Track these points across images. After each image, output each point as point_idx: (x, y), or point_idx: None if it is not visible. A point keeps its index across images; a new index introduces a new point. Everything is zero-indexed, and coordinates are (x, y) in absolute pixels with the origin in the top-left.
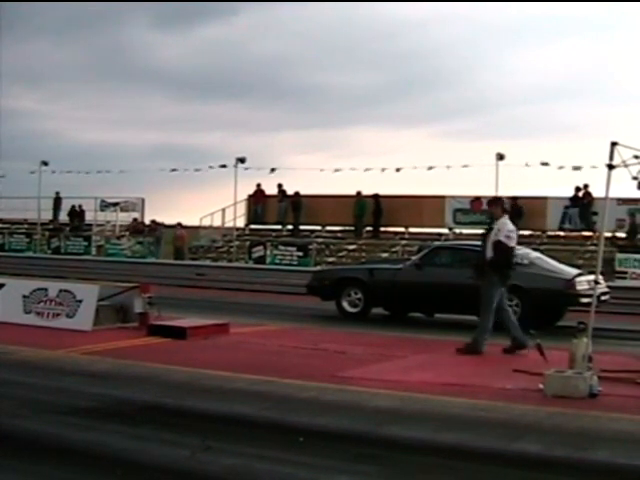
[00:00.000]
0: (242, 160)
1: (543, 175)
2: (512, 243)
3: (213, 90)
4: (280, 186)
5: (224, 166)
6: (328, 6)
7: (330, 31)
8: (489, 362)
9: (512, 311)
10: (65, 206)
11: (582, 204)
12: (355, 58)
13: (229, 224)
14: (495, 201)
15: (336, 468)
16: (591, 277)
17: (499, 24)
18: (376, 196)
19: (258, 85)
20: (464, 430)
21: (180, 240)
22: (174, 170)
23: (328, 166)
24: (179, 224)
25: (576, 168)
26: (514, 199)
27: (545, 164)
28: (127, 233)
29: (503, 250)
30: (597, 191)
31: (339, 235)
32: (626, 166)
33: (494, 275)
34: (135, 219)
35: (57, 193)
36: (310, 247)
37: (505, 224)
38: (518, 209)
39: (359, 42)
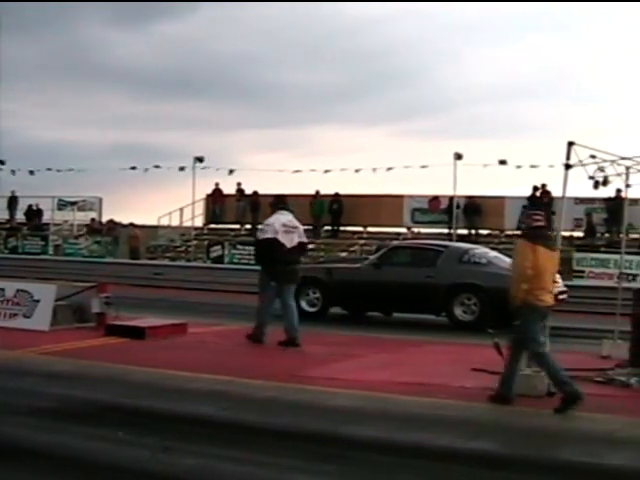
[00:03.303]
0: (200, 159)
1: (501, 175)
2: (265, 235)
3: (172, 88)
4: (239, 185)
5: (182, 169)
6: (288, 4)
7: (289, 29)
8: (448, 361)
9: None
10: (22, 205)
11: (540, 203)
12: (314, 56)
13: (187, 223)
14: (273, 199)
15: (296, 467)
16: None
17: (458, 22)
18: (336, 195)
19: (217, 83)
20: (424, 429)
21: (135, 240)
22: (133, 168)
23: (287, 166)
24: (131, 224)
25: (533, 166)
26: (470, 197)
27: (503, 162)
28: (84, 232)
29: (256, 243)
30: (555, 191)
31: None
32: (583, 165)
33: (263, 269)
34: (93, 219)
35: (12, 192)
36: None
37: (267, 219)
38: (476, 207)
39: (318, 40)
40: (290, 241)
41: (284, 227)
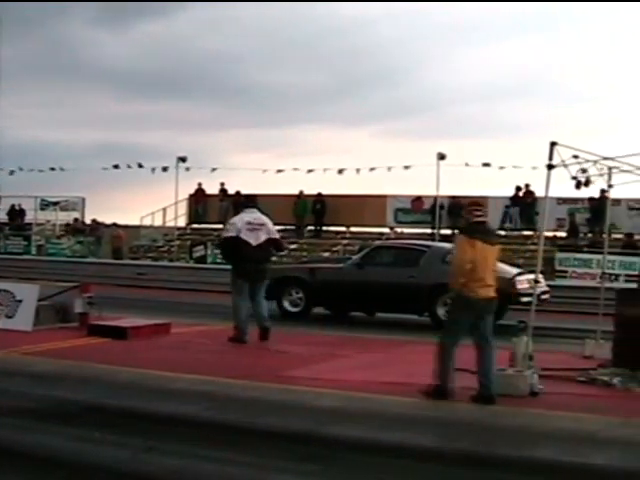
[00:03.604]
0: (183, 159)
1: (484, 175)
2: (227, 234)
3: (155, 88)
4: (222, 185)
5: (165, 169)
6: (273, 4)
7: (275, 28)
8: (431, 361)
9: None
10: (4, 205)
11: (523, 203)
12: (301, 56)
13: (170, 223)
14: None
15: (280, 468)
16: (531, 276)
17: (446, 22)
18: (319, 195)
19: (201, 83)
20: (407, 429)
21: (118, 240)
22: (116, 167)
23: (271, 166)
24: (114, 224)
25: (516, 167)
26: (454, 198)
27: (486, 164)
28: (66, 232)
29: (220, 242)
30: (538, 191)
31: (280, 234)
32: (565, 166)
33: (233, 268)
34: (76, 219)
35: None
36: None
37: (231, 219)
38: (461, 208)
39: (305, 40)
40: (256, 239)
41: (248, 225)
